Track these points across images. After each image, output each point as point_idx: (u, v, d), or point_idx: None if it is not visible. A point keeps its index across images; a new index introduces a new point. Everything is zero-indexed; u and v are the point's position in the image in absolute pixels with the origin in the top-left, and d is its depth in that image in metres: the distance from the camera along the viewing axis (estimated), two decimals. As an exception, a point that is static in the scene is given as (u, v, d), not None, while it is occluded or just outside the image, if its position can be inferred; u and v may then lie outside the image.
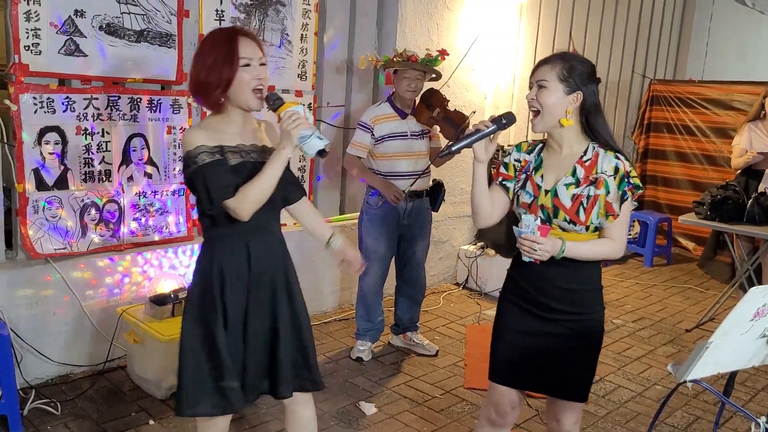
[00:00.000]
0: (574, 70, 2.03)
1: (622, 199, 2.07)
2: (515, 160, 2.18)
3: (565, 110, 2.03)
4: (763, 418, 1.51)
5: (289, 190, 2.21)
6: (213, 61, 1.98)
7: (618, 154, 2.07)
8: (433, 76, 3.81)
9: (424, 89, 3.79)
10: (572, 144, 2.10)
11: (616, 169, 2.06)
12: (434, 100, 3.77)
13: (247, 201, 1.96)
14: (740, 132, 4.73)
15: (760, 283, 4.65)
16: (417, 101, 3.80)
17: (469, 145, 1.99)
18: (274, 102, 2.02)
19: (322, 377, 2.31)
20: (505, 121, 2.03)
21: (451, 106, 3.81)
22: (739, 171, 4.77)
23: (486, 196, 2.13)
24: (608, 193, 2.04)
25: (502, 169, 2.19)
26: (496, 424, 2.28)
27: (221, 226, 2.05)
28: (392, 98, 3.77)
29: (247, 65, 1.99)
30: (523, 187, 2.11)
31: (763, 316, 1.41)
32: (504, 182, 2.18)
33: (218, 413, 2.10)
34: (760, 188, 4.53)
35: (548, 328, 2.12)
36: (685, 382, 1.43)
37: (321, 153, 1.99)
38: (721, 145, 6.40)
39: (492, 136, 2.01)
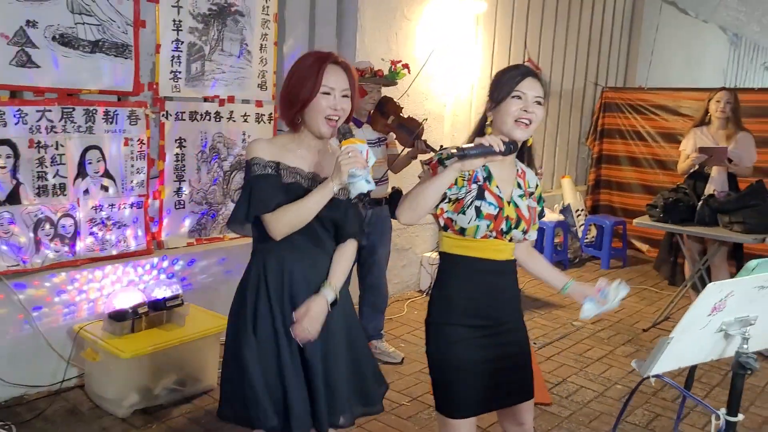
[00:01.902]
0: None
1: (540, 215, 2.20)
2: (469, 172, 2.04)
3: None
4: (723, 410, 1.56)
5: (346, 229, 2.12)
6: (297, 80, 2.00)
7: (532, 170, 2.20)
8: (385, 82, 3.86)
9: None
10: (512, 158, 2.14)
11: (536, 186, 2.19)
12: (388, 107, 3.81)
13: (281, 221, 1.96)
14: (687, 137, 4.88)
15: (711, 282, 4.80)
16: (371, 110, 3.83)
17: (478, 156, 1.87)
18: (343, 135, 1.98)
19: None
20: (512, 147, 1.96)
21: (404, 113, 3.85)
22: (686, 175, 4.92)
23: (438, 199, 2.01)
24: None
25: (440, 170, 2.02)
26: None
27: (265, 241, 2.04)
28: None
29: (327, 93, 1.99)
30: (481, 197, 2.03)
31: (720, 311, 1.46)
32: (449, 190, 2.03)
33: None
34: (707, 190, 4.69)
35: (500, 340, 2.11)
36: (648, 377, 1.47)
37: (361, 197, 1.99)
38: (670, 149, 6.60)
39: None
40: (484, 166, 2.03)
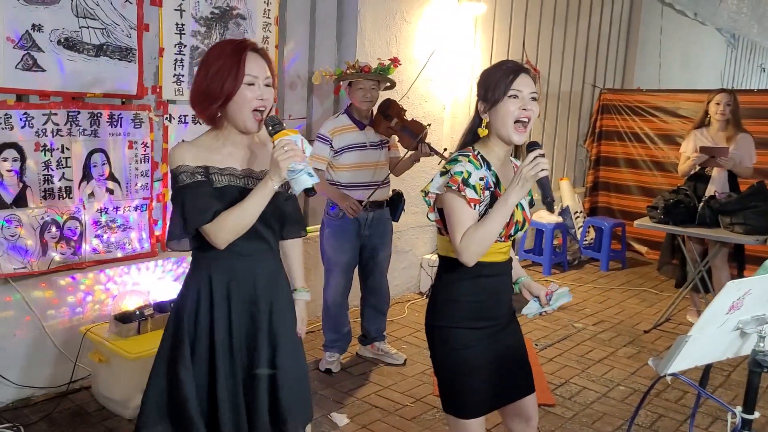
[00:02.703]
0: None
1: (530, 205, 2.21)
2: (479, 179, 1.98)
3: None
4: (739, 408, 1.58)
5: (290, 224, 2.09)
6: (216, 71, 1.86)
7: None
8: (388, 84, 3.86)
9: (380, 99, 3.84)
10: (510, 157, 2.15)
11: None
12: (391, 110, 3.81)
13: (224, 229, 1.84)
14: (687, 139, 4.90)
15: (711, 284, 4.83)
16: (374, 112, 3.84)
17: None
18: (273, 127, 1.85)
19: None
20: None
21: (408, 116, 3.86)
22: (686, 176, 4.94)
23: None
24: None
25: (470, 193, 1.95)
26: None
27: (205, 250, 1.93)
28: (350, 110, 3.80)
29: (251, 84, 1.87)
30: (491, 206, 1.98)
31: (737, 309, 1.48)
32: (476, 207, 1.98)
33: None
34: (708, 192, 4.72)
35: (502, 337, 2.13)
36: (665, 375, 1.49)
37: (307, 191, 1.83)
38: (669, 151, 6.64)
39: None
40: (492, 171, 2.04)
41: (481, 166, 2.00)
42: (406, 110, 3.88)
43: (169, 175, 1.92)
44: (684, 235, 4.77)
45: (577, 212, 6.98)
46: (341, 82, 3.78)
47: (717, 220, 4.54)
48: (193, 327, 1.95)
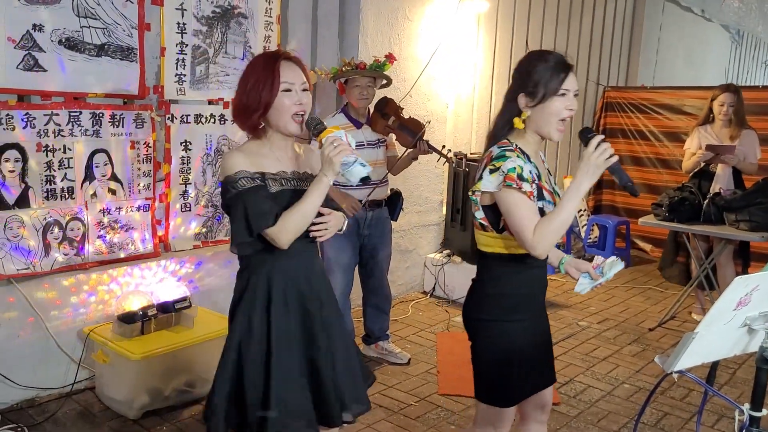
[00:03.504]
0: None
1: None
2: (529, 172, 1.96)
3: None
4: (747, 405, 1.57)
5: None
6: (254, 83, 1.95)
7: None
8: (384, 82, 3.84)
9: (377, 98, 3.82)
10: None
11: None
12: (389, 108, 3.79)
13: (286, 229, 1.92)
14: (691, 136, 4.88)
15: (716, 281, 4.81)
16: (371, 110, 3.82)
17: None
18: (315, 127, 1.97)
19: None
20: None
21: (405, 114, 3.84)
22: (691, 173, 4.92)
23: None
24: None
25: (526, 187, 1.94)
26: None
27: (260, 254, 2.00)
28: (347, 109, 3.78)
29: (288, 90, 1.96)
30: (542, 197, 1.99)
31: (745, 306, 1.47)
32: (533, 199, 1.97)
33: None
34: (713, 189, 4.70)
35: (539, 327, 2.19)
36: (671, 373, 1.47)
37: (364, 180, 1.94)
38: (674, 148, 6.60)
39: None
40: (533, 163, 2.01)
41: (525, 161, 1.99)
42: (403, 108, 3.86)
43: (223, 183, 1.97)
44: (689, 232, 4.75)
45: (580, 210, 6.95)
46: (340, 80, 3.77)
47: (722, 217, 4.51)
48: (260, 325, 2.01)
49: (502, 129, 2.07)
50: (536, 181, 1.98)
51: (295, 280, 2.05)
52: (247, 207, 1.91)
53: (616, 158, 1.89)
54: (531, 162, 2.00)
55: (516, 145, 2.01)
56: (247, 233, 1.92)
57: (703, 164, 4.72)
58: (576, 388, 3.76)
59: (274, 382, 1.98)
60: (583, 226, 6.86)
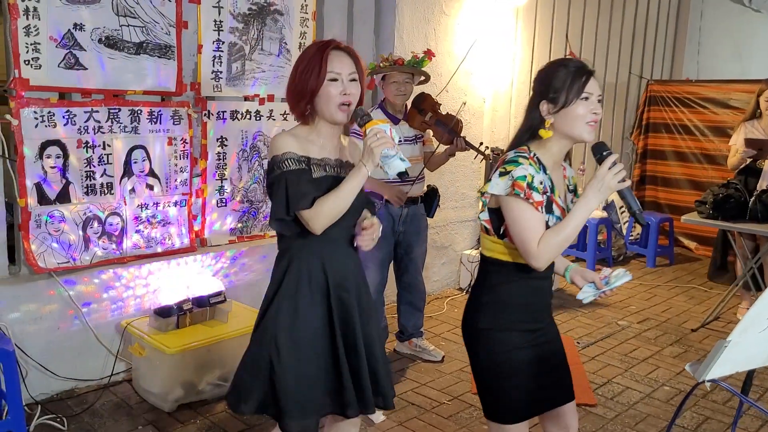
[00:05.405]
0: None
1: None
2: (539, 183, 1.92)
3: None
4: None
5: (367, 209, 2.20)
6: (302, 71, 1.99)
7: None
8: (422, 78, 3.80)
9: (414, 93, 3.78)
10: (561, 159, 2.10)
11: (572, 177, 2.13)
12: (426, 104, 3.76)
13: (322, 214, 1.94)
14: (737, 131, 4.73)
15: (763, 281, 4.64)
16: (408, 106, 3.79)
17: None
18: (361, 118, 1.99)
19: None
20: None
21: (443, 110, 3.80)
22: (737, 170, 4.77)
23: None
24: None
25: (536, 197, 1.89)
26: None
27: (297, 238, 2.03)
28: (384, 104, 3.76)
29: (335, 79, 1.98)
30: (550, 211, 1.94)
31: (782, 313, 1.41)
32: (541, 210, 1.92)
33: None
34: (760, 186, 4.53)
35: (544, 340, 2.09)
36: (703, 381, 1.41)
37: (401, 174, 1.96)
38: (720, 143, 6.41)
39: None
40: (547, 175, 1.97)
41: (539, 170, 1.94)
42: (440, 104, 3.82)
43: (270, 162, 2.01)
44: (734, 230, 4.59)
45: (622, 207, 6.80)
46: (375, 76, 3.75)
47: (769, 215, 4.35)
48: (293, 311, 2.03)
49: (522, 136, 2.02)
50: (547, 193, 1.93)
51: (333, 267, 2.06)
52: (288, 186, 1.94)
53: (628, 183, 1.85)
54: (546, 174, 1.95)
55: (534, 154, 1.96)
56: (285, 210, 1.95)
57: (748, 160, 4.55)
58: (614, 390, 3.68)
59: (301, 369, 2.02)
60: (624, 223, 6.71)
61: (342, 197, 1.95)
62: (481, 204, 2.03)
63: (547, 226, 1.91)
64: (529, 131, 2.01)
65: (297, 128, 2.09)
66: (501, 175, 1.92)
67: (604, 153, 1.88)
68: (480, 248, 2.11)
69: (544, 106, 1.96)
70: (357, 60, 2.04)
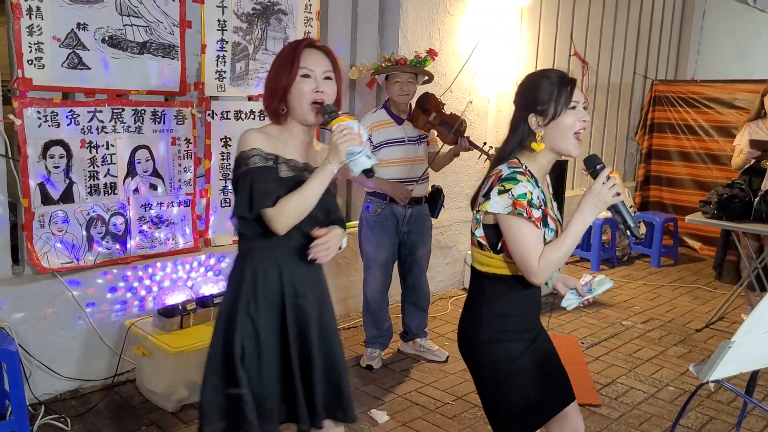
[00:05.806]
0: None
1: None
2: (537, 198, 1.92)
3: None
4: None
5: (334, 216, 2.12)
6: (276, 68, 1.98)
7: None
8: (426, 78, 3.79)
9: (418, 93, 3.78)
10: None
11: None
12: (429, 104, 3.75)
13: (285, 213, 1.89)
14: (741, 131, 4.73)
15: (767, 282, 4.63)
16: (413, 106, 3.78)
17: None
18: (329, 114, 1.94)
19: None
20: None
21: (447, 110, 3.79)
22: (741, 170, 4.75)
23: None
24: None
25: (536, 213, 1.89)
26: None
27: (257, 239, 1.99)
28: (387, 105, 3.75)
29: (307, 76, 1.95)
30: (545, 224, 1.93)
31: (787, 313, 1.40)
32: (540, 225, 1.93)
33: None
34: (765, 186, 4.51)
35: (539, 343, 2.09)
36: (707, 382, 1.40)
37: (367, 172, 1.92)
38: (725, 143, 6.39)
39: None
40: (540, 188, 1.96)
41: (534, 185, 1.94)
42: (444, 104, 3.81)
43: (237, 158, 1.96)
44: (738, 231, 4.58)
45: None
46: (377, 76, 3.74)
47: (774, 216, 4.33)
48: (247, 315, 1.98)
49: (512, 149, 2.00)
50: (542, 207, 1.93)
51: (290, 272, 2.01)
52: (253, 184, 1.90)
53: (622, 198, 1.85)
54: (538, 186, 1.95)
55: (525, 167, 1.96)
56: (248, 208, 1.90)
57: (753, 161, 4.54)
58: (618, 390, 3.66)
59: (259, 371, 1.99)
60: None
61: (307, 196, 1.90)
62: (475, 221, 2.00)
63: (544, 241, 1.91)
64: (519, 144, 2.00)
65: (269, 126, 2.06)
66: (500, 193, 1.90)
67: (598, 167, 1.87)
68: (471, 262, 2.09)
69: (533, 119, 1.94)
70: (333, 59, 2.01)
